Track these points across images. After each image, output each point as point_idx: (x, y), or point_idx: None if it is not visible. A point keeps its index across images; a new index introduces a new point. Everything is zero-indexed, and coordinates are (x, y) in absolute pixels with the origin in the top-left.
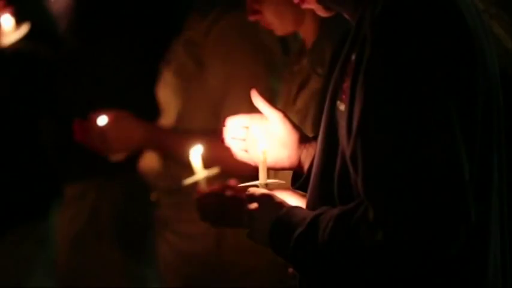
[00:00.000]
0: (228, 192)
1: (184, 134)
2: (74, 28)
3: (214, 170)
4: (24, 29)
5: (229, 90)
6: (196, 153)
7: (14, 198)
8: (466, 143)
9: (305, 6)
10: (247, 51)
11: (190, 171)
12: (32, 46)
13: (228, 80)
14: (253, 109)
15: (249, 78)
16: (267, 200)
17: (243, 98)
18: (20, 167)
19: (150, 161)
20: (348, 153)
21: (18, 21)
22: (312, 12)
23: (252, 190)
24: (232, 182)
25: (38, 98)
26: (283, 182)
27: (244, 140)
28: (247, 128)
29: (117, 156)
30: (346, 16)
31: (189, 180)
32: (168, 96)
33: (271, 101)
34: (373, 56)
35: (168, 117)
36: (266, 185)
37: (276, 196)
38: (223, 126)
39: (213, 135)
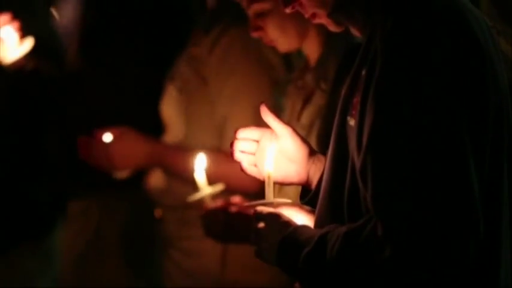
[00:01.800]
0: (233, 209)
1: (188, 151)
2: (78, 45)
3: (218, 187)
4: (28, 44)
5: (232, 107)
6: (200, 170)
7: (19, 214)
8: (475, 157)
9: (316, 21)
10: (251, 67)
11: (194, 188)
12: (36, 63)
13: (231, 97)
14: (257, 126)
15: (253, 94)
16: (274, 219)
17: (247, 115)
18: (24, 183)
19: (154, 177)
20: (357, 168)
21: (22, 37)
22: (316, 28)
23: (259, 209)
24: (236, 198)
25: (42, 114)
26: (289, 200)
27: (253, 154)
28: (257, 142)
29: (121, 173)
30: (356, 32)
31: (193, 197)
32: (172, 113)
33: (277, 116)
34: (384, 71)
35: (172, 134)
36: (272, 204)
37: (283, 215)
38: (233, 139)
39: (217, 152)
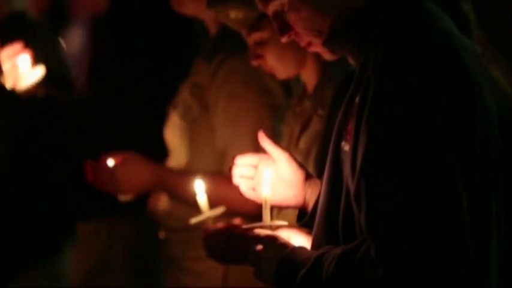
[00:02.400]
0: (234, 231)
1: (190, 175)
2: (87, 73)
3: (219, 209)
4: (40, 72)
5: (233, 133)
6: (202, 193)
7: (31, 235)
8: (465, 181)
9: (312, 49)
10: (250, 94)
11: (196, 211)
12: (47, 90)
13: (232, 123)
14: (256, 151)
15: (253, 121)
16: (271, 241)
17: (247, 140)
18: (36, 206)
19: (158, 200)
20: (352, 192)
21: (34, 65)
22: (313, 56)
23: (257, 231)
24: (237, 220)
25: (53, 139)
26: (285, 223)
27: (252, 178)
28: (255, 167)
29: (126, 197)
30: (350, 60)
31: (196, 219)
32: (175, 138)
33: (275, 141)
34: (377, 98)
35: (175, 159)
36: (270, 226)
37: (280, 237)
38: (232, 165)
39: (219, 176)
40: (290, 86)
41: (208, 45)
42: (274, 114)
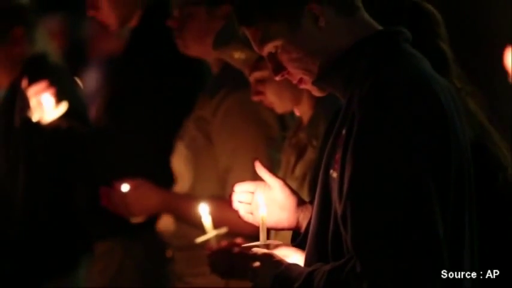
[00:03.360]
0: (235, 249)
1: (193, 199)
2: (103, 109)
3: (222, 230)
4: (63, 108)
5: (233, 162)
6: (206, 215)
7: (50, 253)
8: (441, 204)
9: (302, 86)
10: (249, 127)
11: (200, 231)
12: (68, 123)
13: (232, 153)
14: (255, 179)
15: (251, 150)
16: (268, 259)
17: (246, 170)
18: (56, 226)
19: (165, 222)
20: (339, 214)
21: (57, 102)
22: (308, 92)
23: (255, 250)
24: (238, 240)
25: (73, 166)
26: (281, 242)
27: (250, 203)
28: (252, 193)
29: (137, 219)
30: (338, 95)
31: (201, 239)
32: (181, 167)
33: (272, 169)
34: (360, 131)
35: (181, 185)
36: (267, 246)
37: (275, 255)
38: (232, 192)
39: (221, 201)
40: (285, 119)
41: (211, 82)
42: (271, 144)
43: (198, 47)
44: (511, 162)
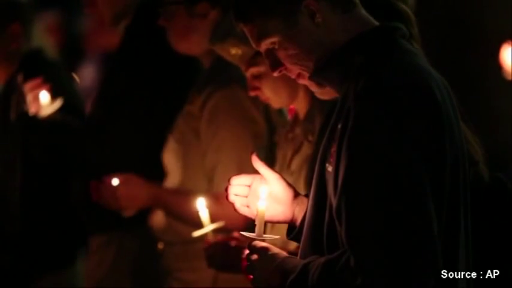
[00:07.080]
0: (232, 243)
1: (184, 193)
2: (98, 103)
3: (219, 223)
4: (59, 103)
5: (220, 157)
6: (203, 209)
7: (47, 247)
8: (435, 201)
9: (301, 81)
10: (235, 123)
11: (192, 226)
12: (63, 118)
13: (219, 148)
14: (240, 172)
15: (237, 146)
16: (265, 252)
17: (232, 163)
18: (52, 221)
19: (157, 217)
20: (334, 208)
21: (53, 97)
22: (305, 88)
23: (253, 243)
24: (235, 234)
25: (68, 161)
26: (277, 236)
27: (246, 196)
28: (249, 186)
29: (128, 212)
30: (334, 90)
31: (198, 233)
32: (171, 161)
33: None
34: (355, 125)
35: (171, 179)
36: (265, 239)
37: (272, 248)
38: (227, 185)
39: (210, 195)
40: (272, 116)
41: (200, 79)
42: (256, 140)
43: (183, 44)
44: (482, 157)
